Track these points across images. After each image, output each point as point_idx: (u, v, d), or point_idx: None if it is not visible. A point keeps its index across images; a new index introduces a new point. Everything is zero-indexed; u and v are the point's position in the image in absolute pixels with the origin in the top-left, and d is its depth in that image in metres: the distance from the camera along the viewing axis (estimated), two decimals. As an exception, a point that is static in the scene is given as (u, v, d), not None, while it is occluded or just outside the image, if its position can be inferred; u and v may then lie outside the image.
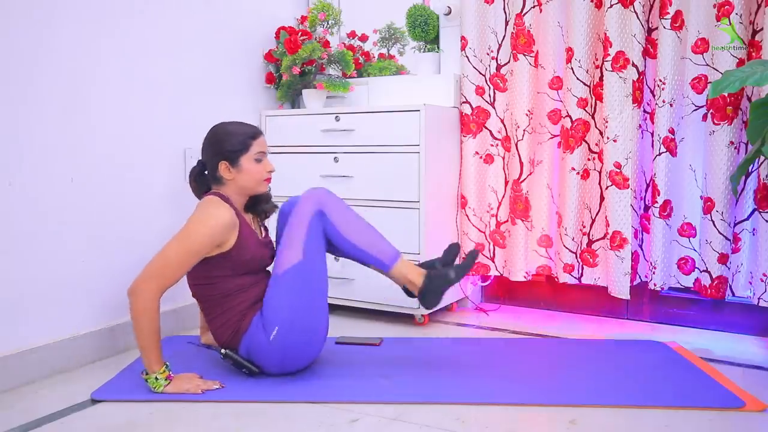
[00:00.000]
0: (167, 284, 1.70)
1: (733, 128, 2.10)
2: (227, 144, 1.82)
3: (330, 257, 2.50)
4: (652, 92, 2.30)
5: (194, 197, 1.96)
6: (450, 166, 2.51)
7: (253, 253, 1.81)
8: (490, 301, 2.75)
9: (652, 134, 2.26)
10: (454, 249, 1.89)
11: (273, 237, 1.99)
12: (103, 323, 2.06)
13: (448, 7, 2.59)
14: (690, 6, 2.15)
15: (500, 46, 2.50)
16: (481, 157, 2.54)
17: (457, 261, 1.88)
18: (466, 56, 2.50)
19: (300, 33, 2.62)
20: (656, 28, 2.25)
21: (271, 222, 2.05)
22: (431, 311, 2.41)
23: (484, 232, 2.56)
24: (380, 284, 2.38)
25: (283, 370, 1.80)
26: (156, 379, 1.68)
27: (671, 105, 2.19)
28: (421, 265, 1.87)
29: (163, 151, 2.27)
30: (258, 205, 1.95)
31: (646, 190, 2.34)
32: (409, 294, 1.87)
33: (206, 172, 1.90)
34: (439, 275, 1.81)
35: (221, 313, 1.80)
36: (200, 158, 1.91)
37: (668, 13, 2.16)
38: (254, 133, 1.86)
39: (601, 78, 2.31)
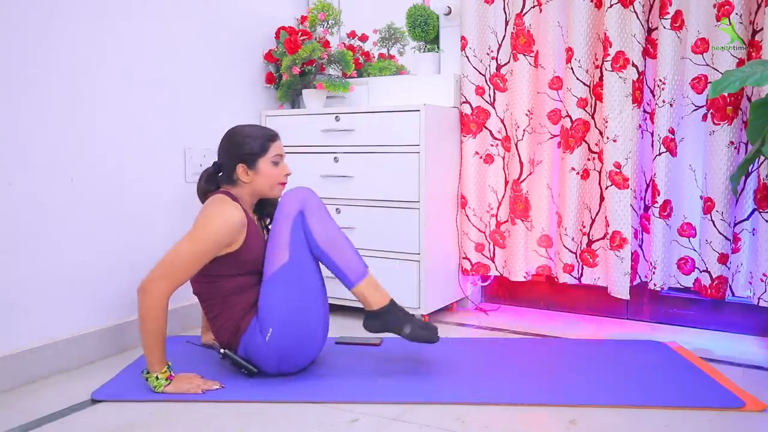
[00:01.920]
0: (178, 284, 1.70)
1: (733, 128, 2.10)
2: (246, 146, 1.83)
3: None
4: (652, 92, 2.30)
5: (194, 196, 1.96)
6: (450, 166, 2.51)
7: (257, 253, 1.81)
8: (490, 301, 2.75)
9: (652, 134, 2.26)
10: (432, 327, 1.84)
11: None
12: (104, 323, 2.06)
13: (448, 7, 2.59)
14: (690, 6, 2.15)
15: (500, 46, 2.50)
16: (481, 157, 2.54)
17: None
18: (466, 56, 2.50)
19: (300, 33, 2.62)
20: (656, 28, 2.25)
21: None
22: (430, 312, 2.41)
23: (484, 232, 2.56)
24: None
25: (280, 371, 1.80)
26: (156, 378, 1.68)
27: (671, 105, 2.19)
28: (398, 306, 1.84)
29: (164, 151, 2.27)
30: (265, 208, 1.95)
31: (646, 190, 2.34)
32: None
33: (220, 174, 1.90)
34: (398, 319, 1.80)
35: (222, 312, 1.80)
36: (216, 160, 1.91)
37: (668, 13, 2.16)
38: (272, 135, 1.87)
39: (601, 78, 2.31)
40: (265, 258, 1.80)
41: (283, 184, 1.90)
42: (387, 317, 1.81)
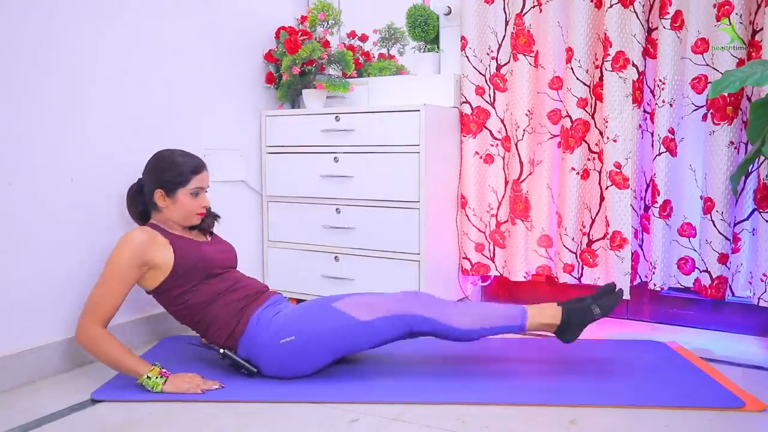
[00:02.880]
0: (104, 315, 1.73)
1: (733, 128, 2.10)
2: (168, 174, 1.86)
3: (330, 256, 2.50)
4: (652, 92, 2.30)
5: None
6: (450, 166, 2.51)
7: (199, 255, 1.84)
8: (490, 301, 2.75)
9: (652, 134, 2.26)
10: (610, 287, 1.84)
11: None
12: (103, 323, 2.05)
13: (448, 7, 2.59)
14: (690, 6, 2.15)
15: (500, 46, 2.50)
16: (481, 157, 2.54)
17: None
18: (466, 56, 2.50)
19: (300, 33, 2.62)
20: (656, 28, 2.25)
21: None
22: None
23: (484, 232, 2.56)
24: (380, 284, 2.39)
25: (281, 374, 1.80)
26: (149, 378, 1.68)
27: (671, 105, 2.19)
28: (568, 301, 1.83)
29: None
30: (201, 223, 1.96)
31: (646, 190, 2.34)
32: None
33: (144, 193, 1.92)
34: (582, 309, 1.79)
35: (210, 324, 1.82)
36: (140, 177, 1.94)
37: (668, 13, 2.16)
38: (196, 167, 1.89)
39: (601, 78, 2.31)
40: (357, 294, 1.84)
41: (201, 214, 1.91)
42: (573, 318, 1.78)
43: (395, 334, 1.78)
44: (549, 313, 1.80)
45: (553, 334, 1.82)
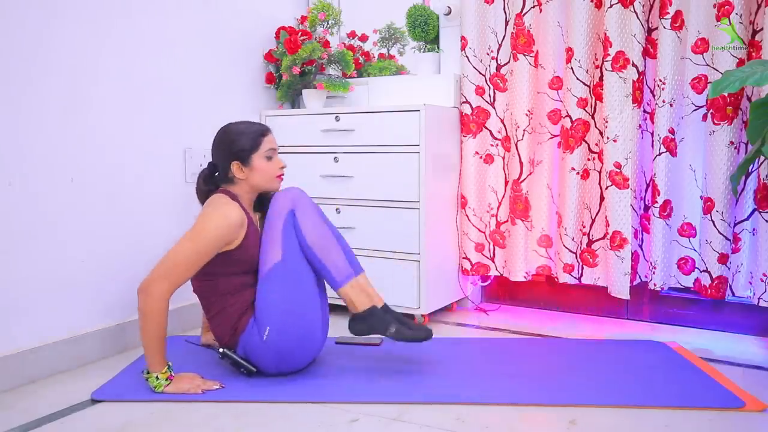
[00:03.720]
0: (178, 284, 1.70)
1: (733, 128, 2.10)
2: (238, 144, 1.83)
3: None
4: (652, 92, 2.30)
5: (194, 196, 1.96)
6: (450, 166, 2.51)
7: (253, 252, 1.81)
8: (490, 301, 2.75)
9: (652, 134, 2.26)
10: (427, 331, 1.82)
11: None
12: (104, 323, 2.05)
13: (448, 7, 2.59)
14: (690, 6, 2.15)
15: (500, 46, 2.50)
16: (481, 157, 2.54)
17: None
18: (466, 56, 2.50)
19: (300, 33, 2.62)
20: (656, 28, 2.25)
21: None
22: (430, 312, 2.41)
23: (484, 232, 2.56)
24: (380, 284, 2.38)
25: (279, 371, 1.80)
26: (156, 378, 1.68)
27: (671, 105, 2.19)
28: (386, 307, 1.83)
29: (164, 151, 2.27)
30: (265, 204, 1.95)
31: (646, 190, 2.34)
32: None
33: (217, 174, 1.90)
34: (383, 320, 1.79)
35: (220, 312, 1.80)
36: (210, 161, 1.91)
37: (668, 13, 2.16)
38: (263, 130, 1.87)
39: (601, 78, 2.31)
40: (260, 257, 1.81)
41: (280, 177, 1.90)
42: (372, 319, 1.80)
43: (296, 235, 1.78)
44: (363, 299, 1.80)
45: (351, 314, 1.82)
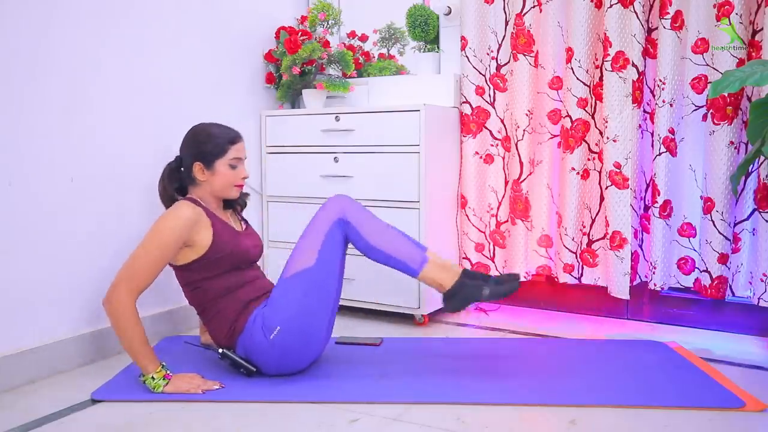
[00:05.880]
0: (139, 286, 1.71)
1: (733, 128, 2.10)
2: (205, 146, 1.84)
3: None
4: (652, 92, 2.30)
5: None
6: (450, 166, 2.51)
7: (232, 246, 1.82)
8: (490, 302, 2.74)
9: (652, 134, 2.26)
10: (514, 275, 1.82)
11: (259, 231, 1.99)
12: (104, 323, 2.05)
13: (448, 7, 2.59)
14: (690, 6, 2.15)
15: (500, 46, 2.50)
16: (481, 157, 2.54)
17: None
18: (466, 56, 2.50)
19: (300, 33, 2.62)
20: (656, 28, 2.25)
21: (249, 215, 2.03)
22: (430, 312, 2.41)
23: (484, 232, 2.56)
24: (380, 284, 2.39)
25: (280, 371, 1.80)
26: (153, 379, 1.68)
27: (671, 105, 2.19)
28: (469, 273, 1.82)
29: (163, 151, 2.26)
30: (232, 201, 1.97)
31: (646, 190, 2.34)
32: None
33: (182, 169, 1.91)
34: (474, 286, 1.78)
35: (215, 316, 1.81)
36: (178, 154, 1.92)
37: (668, 13, 2.16)
38: (233, 138, 1.87)
39: (601, 78, 2.31)
40: (291, 255, 1.81)
41: (240, 186, 1.90)
42: (464, 291, 1.77)
43: (340, 249, 1.79)
44: (445, 275, 1.78)
45: (441, 294, 1.81)
